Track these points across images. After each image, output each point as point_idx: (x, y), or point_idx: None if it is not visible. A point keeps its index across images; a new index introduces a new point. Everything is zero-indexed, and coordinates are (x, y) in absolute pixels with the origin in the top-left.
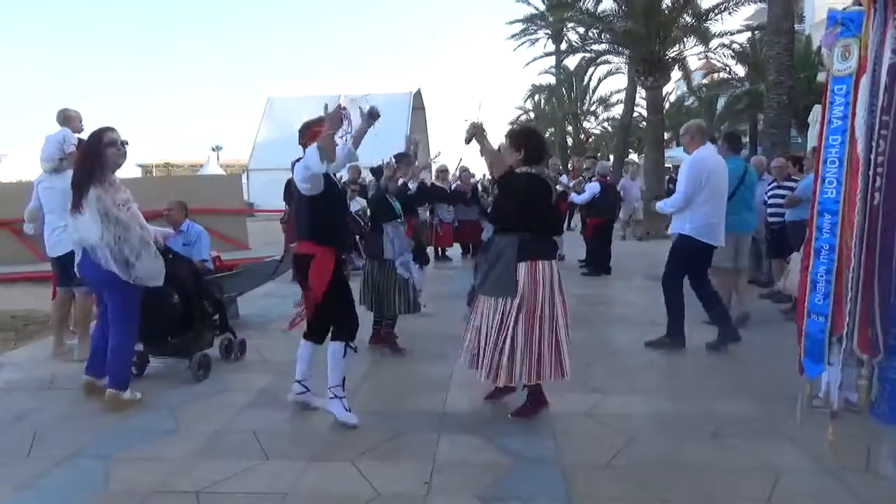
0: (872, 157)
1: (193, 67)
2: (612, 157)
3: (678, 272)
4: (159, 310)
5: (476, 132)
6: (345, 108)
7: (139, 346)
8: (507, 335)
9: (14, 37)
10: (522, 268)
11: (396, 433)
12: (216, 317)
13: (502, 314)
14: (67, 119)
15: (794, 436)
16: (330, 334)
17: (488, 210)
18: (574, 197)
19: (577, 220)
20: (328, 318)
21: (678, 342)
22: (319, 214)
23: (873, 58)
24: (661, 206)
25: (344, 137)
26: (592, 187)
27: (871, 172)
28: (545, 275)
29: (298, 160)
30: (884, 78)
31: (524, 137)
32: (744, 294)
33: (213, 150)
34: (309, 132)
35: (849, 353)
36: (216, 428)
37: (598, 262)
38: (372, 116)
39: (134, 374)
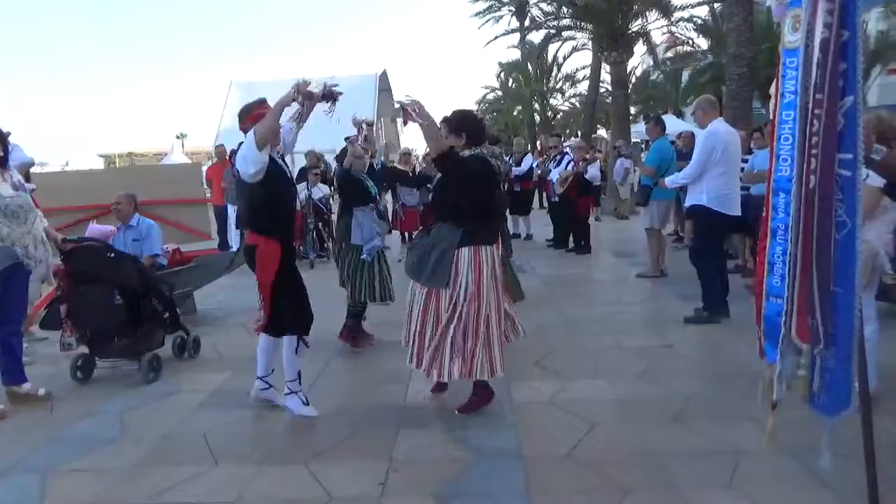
0: (806, 137)
1: (155, 53)
2: (579, 134)
3: (706, 245)
4: (101, 311)
5: (408, 113)
6: (307, 83)
7: (84, 349)
8: (444, 329)
9: None
10: (464, 253)
11: (353, 431)
12: (166, 315)
13: (440, 307)
14: None
15: (755, 416)
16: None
17: None
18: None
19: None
20: (282, 310)
21: (719, 313)
22: (260, 202)
23: (805, 32)
24: (672, 178)
25: (296, 118)
26: (623, 162)
27: (805, 154)
28: (488, 261)
29: (240, 146)
30: (816, 53)
31: (462, 121)
32: (664, 252)
33: (178, 137)
34: (249, 116)
35: (787, 342)
36: (165, 433)
37: (581, 239)
38: (328, 98)
39: (79, 378)
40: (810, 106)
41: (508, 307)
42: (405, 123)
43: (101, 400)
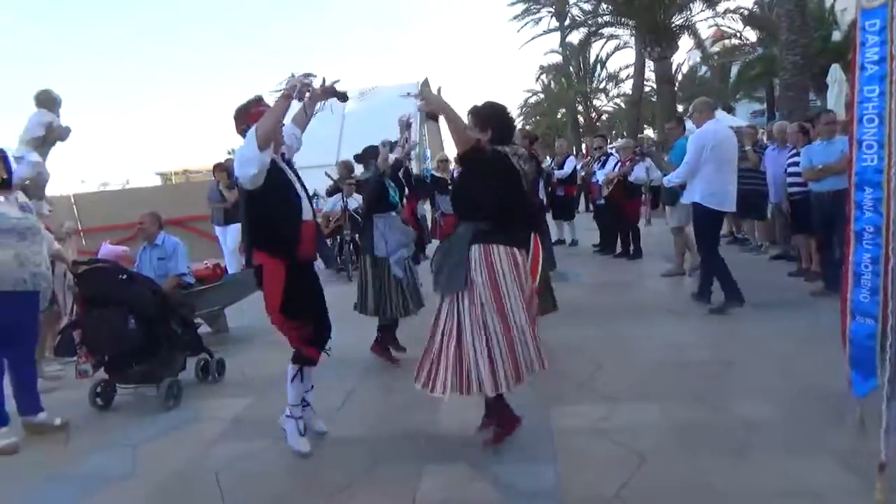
0: None
1: (206, 69)
2: (625, 135)
3: (705, 238)
4: (115, 335)
5: (434, 105)
6: (307, 79)
7: (104, 375)
8: (458, 339)
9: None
10: (475, 251)
11: (374, 464)
12: (187, 338)
13: (458, 314)
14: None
15: (832, 447)
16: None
17: None
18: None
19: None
20: (296, 335)
21: (735, 301)
22: (259, 214)
23: None
24: (668, 178)
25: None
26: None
27: None
28: (504, 262)
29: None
30: None
31: (491, 116)
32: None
33: (229, 153)
34: (248, 116)
35: (893, 385)
36: (176, 469)
37: (631, 244)
38: (340, 97)
39: (99, 405)
40: None
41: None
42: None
43: (118, 430)
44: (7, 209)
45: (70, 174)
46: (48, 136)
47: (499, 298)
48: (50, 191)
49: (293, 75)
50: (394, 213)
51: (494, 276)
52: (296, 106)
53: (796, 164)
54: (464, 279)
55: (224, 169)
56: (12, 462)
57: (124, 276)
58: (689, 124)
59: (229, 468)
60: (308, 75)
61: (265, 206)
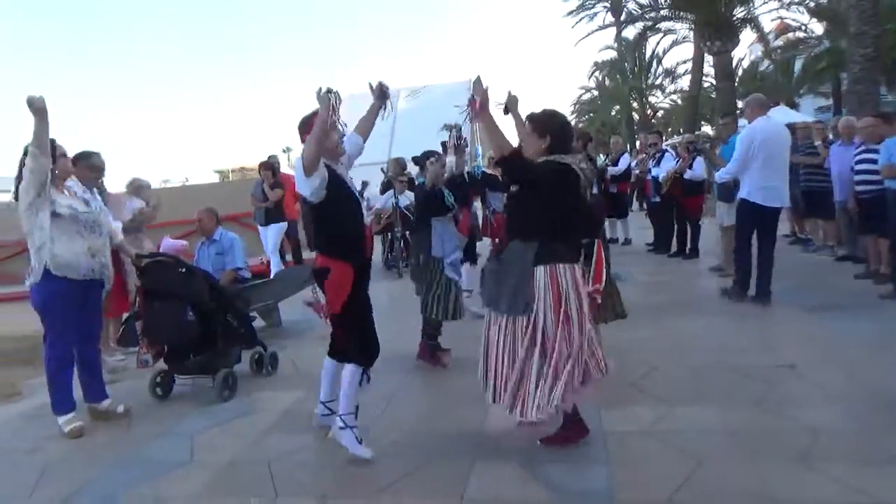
0: None
1: (265, 67)
2: (681, 132)
3: (742, 233)
4: (174, 327)
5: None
6: (333, 92)
7: (163, 366)
8: (522, 361)
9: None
10: (539, 273)
11: (424, 461)
12: (242, 330)
13: (519, 334)
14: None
15: None
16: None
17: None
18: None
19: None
20: (348, 335)
21: (741, 294)
22: (328, 223)
23: None
24: (718, 174)
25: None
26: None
27: None
28: (568, 281)
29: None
30: None
31: (550, 121)
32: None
33: (284, 151)
34: (310, 127)
35: None
36: (230, 458)
37: (688, 243)
38: (383, 95)
39: (159, 395)
40: None
41: (596, 341)
42: (471, 122)
43: (176, 418)
44: (77, 204)
45: (134, 172)
46: (136, 218)
47: (558, 321)
48: (115, 187)
49: (320, 90)
50: (449, 216)
51: (560, 298)
52: (360, 113)
53: (865, 161)
54: (531, 302)
55: (269, 167)
56: (79, 445)
57: (183, 270)
58: (742, 121)
59: (280, 459)
60: (330, 94)
61: (332, 212)
